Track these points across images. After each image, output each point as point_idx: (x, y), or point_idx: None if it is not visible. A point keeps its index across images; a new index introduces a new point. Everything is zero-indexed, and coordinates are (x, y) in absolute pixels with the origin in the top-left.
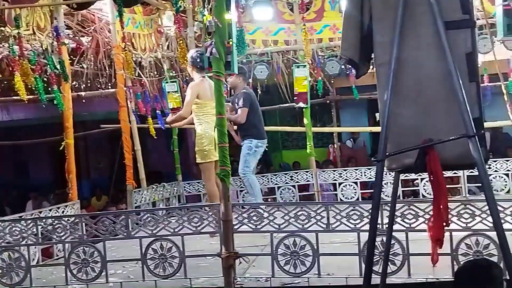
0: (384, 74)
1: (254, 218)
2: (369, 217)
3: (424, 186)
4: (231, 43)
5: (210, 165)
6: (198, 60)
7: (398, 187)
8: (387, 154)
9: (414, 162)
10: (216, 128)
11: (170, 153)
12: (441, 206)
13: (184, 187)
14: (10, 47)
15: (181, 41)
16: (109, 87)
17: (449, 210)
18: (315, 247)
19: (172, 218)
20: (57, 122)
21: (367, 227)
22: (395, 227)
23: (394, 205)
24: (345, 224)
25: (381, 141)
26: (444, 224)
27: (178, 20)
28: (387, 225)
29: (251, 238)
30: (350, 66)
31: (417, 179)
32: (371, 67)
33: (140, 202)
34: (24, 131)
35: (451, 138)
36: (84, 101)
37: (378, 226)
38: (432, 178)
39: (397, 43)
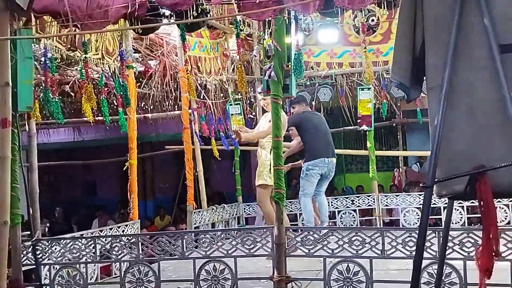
0: (435, 98)
1: (307, 242)
2: (426, 244)
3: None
4: (289, 66)
5: (269, 188)
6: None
7: (452, 214)
8: (436, 180)
9: (464, 189)
10: (272, 151)
11: (233, 175)
12: (491, 235)
13: (244, 208)
14: (80, 71)
15: (239, 66)
16: (175, 109)
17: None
18: (369, 273)
19: (226, 240)
20: (125, 143)
21: (424, 255)
22: (454, 255)
23: (447, 232)
24: (401, 251)
25: (430, 166)
26: (494, 254)
27: (238, 45)
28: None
29: (305, 263)
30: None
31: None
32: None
33: (200, 222)
34: (94, 151)
35: (504, 164)
36: (151, 122)
37: (435, 253)
38: (482, 206)
39: (450, 65)
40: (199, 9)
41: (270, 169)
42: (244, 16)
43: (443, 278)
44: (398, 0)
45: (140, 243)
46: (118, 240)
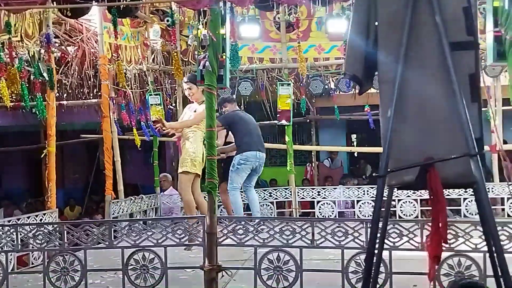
0: (387, 92)
1: (239, 231)
2: (354, 234)
3: (466, 206)
4: (224, 57)
5: (191, 176)
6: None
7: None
8: (389, 170)
9: (414, 179)
10: (205, 141)
11: (146, 166)
12: (440, 224)
13: (162, 200)
14: None
15: (175, 54)
16: (91, 97)
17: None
18: (299, 262)
19: (155, 229)
20: (34, 131)
21: (351, 244)
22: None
23: (386, 222)
24: (330, 241)
25: (383, 157)
26: (443, 241)
27: (174, 33)
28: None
29: (231, 252)
30: (333, 88)
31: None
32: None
33: (118, 213)
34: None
35: (453, 156)
36: (63, 110)
37: (362, 243)
38: (432, 196)
39: (402, 62)
40: None
41: (194, 158)
42: (179, 4)
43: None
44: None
45: (65, 232)
46: (41, 229)
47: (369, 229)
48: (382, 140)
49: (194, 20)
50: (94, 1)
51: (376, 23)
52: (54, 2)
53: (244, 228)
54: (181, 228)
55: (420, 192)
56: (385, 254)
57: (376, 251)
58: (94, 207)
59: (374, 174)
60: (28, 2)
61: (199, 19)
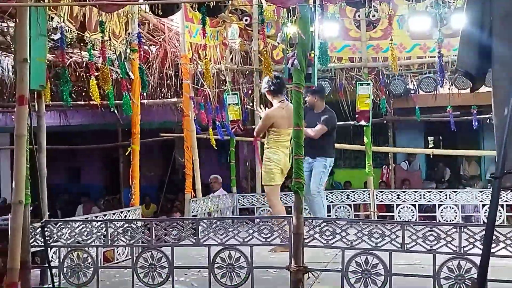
0: (502, 89)
1: (327, 233)
2: (447, 238)
3: None
4: (312, 55)
5: (275, 187)
6: (271, 84)
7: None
8: (506, 171)
9: None
10: (292, 140)
11: (219, 165)
12: None
13: (238, 199)
14: (88, 52)
15: (265, 53)
16: (169, 96)
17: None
18: (388, 266)
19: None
20: (112, 129)
21: (443, 249)
22: (474, 251)
23: (493, 227)
24: (421, 245)
25: (499, 158)
26: None
27: (263, 31)
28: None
29: (311, 253)
30: (414, 88)
31: None
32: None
33: (197, 211)
34: (79, 137)
35: None
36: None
37: (456, 249)
38: None
39: None
40: None
41: (271, 170)
42: (268, 2)
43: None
44: None
45: (153, 228)
46: (130, 225)
47: (462, 234)
48: (496, 140)
49: (281, 18)
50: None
51: (491, 18)
52: (145, 0)
53: (332, 229)
54: (267, 227)
55: (506, 197)
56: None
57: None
58: (169, 205)
59: (491, 175)
60: (121, 0)
61: (288, 17)
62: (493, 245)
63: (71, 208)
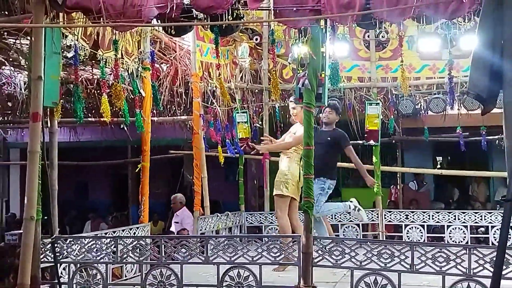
0: None
1: (335, 252)
2: (456, 260)
3: None
4: (323, 75)
5: (286, 199)
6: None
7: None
8: None
9: None
10: (302, 159)
11: (228, 183)
12: None
13: (246, 217)
14: (101, 70)
15: (274, 72)
16: (178, 114)
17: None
18: (397, 287)
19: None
20: (121, 146)
21: (452, 270)
22: (484, 273)
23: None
24: (430, 266)
25: (510, 180)
26: None
27: (273, 52)
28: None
29: (319, 273)
30: (423, 108)
31: None
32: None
33: (205, 229)
34: (88, 153)
35: None
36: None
37: (465, 270)
38: None
39: None
40: (234, 14)
41: (286, 180)
42: (280, 23)
43: None
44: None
45: (163, 245)
46: (139, 242)
47: (472, 256)
48: (507, 163)
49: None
50: (196, 20)
51: (502, 41)
52: (159, 21)
53: (341, 249)
54: (276, 246)
55: None
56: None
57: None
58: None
59: (502, 198)
60: (135, 21)
61: (299, 38)
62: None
63: (79, 224)
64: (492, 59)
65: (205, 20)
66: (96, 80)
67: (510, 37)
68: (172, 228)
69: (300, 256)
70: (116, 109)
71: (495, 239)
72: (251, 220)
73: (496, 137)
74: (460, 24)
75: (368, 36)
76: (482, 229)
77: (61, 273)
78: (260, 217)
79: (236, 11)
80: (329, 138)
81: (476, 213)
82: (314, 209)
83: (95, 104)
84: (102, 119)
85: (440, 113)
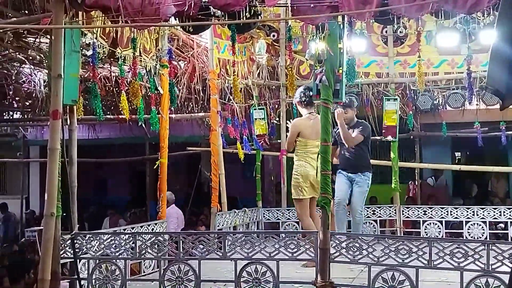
0: None
1: (353, 248)
2: (474, 256)
3: None
4: (340, 71)
5: (304, 201)
6: (302, 95)
7: None
8: None
9: None
10: (320, 155)
11: (244, 179)
12: None
13: (263, 213)
14: (120, 67)
15: (290, 69)
16: (196, 111)
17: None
18: (414, 283)
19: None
20: (139, 143)
21: (471, 266)
22: (503, 268)
23: None
24: (448, 262)
25: None
26: None
27: (290, 48)
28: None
29: (336, 269)
30: (442, 103)
31: None
32: None
33: (222, 225)
34: (106, 150)
35: None
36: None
37: (484, 266)
38: None
39: None
40: (252, 11)
41: (298, 183)
42: (297, 19)
43: None
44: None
45: (181, 241)
46: (158, 238)
47: (491, 251)
48: None
49: (312, 34)
50: (214, 19)
51: None
52: (177, 19)
53: (358, 245)
54: (293, 242)
55: None
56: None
57: None
58: (194, 218)
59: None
60: (153, 19)
61: (317, 34)
62: None
63: (98, 220)
64: (511, 54)
65: (223, 17)
66: (114, 77)
67: None
68: None
69: (317, 252)
70: (134, 106)
71: (469, 234)
72: (268, 216)
73: None
74: (479, 19)
75: (386, 32)
76: (502, 225)
77: (81, 268)
78: (277, 213)
79: (253, 8)
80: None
81: (495, 208)
82: (360, 206)
83: (114, 101)
84: (120, 116)
85: (458, 108)
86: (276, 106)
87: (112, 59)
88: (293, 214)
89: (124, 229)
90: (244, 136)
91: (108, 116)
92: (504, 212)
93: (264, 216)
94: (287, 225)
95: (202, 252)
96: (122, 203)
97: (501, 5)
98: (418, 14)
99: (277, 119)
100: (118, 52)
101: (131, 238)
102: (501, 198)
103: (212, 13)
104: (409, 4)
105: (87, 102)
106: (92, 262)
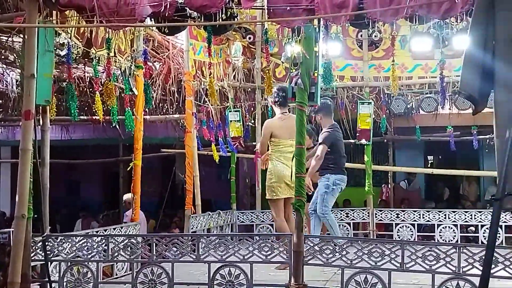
0: (504, 112)
1: (326, 251)
2: (446, 259)
3: None
4: (316, 75)
5: (278, 202)
6: (276, 95)
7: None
8: (506, 193)
9: None
10: (294, 158)
11: (218, 182)
12: None
13: (238, 216)
14: (94, 68)
15: (268, 72)
16: (171, 113)
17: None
18: (387, 285)
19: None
20: (113, 144)
21: (442, 269)
22: (474, 271)
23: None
24: (420, 265)
25: (500, 180)
26: None
27: (267, 51)
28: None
29: (309, 271)
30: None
31: None
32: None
33: (196, 227)
34: (79, 151)
35: None
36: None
37: (455, 269)
38: None
39: None
40: (228, 13)
41: (271, 184)
42: (274, 22)
43: None
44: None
45: (154, 244)
46: (131, 240)
47: (462, 254)
48: (497, 162)
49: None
50: (190, 20)
51: (494, 42)
52: (152, 20)
53: (332, 248)
54: (267, 245)
55: (505, 218)
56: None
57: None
58: (168, 221)
59: (491, 197)
60: (128, 20)
61: (293, 37)
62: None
63: (70, 222)
64: (483, 59)
65: (199, 19)
66: (88, 78)
67: (501, 37)
68: None
69: (291, 254)
70: (109, 107)
71: (485, 238)
72: (243, 218)
73: (487, 136)
74: (452, 24)
75: (361, 36)
76: (472, 228)
77: (52, 271)
78: (251, 215)
79: (229, 10)
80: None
81: (466, 212)
82: (320, 208)
83: (86, 102)
84: (94, 117)
85: (431, 112)
86: (252, 108)
87: (86, 60)
88: (267, 217)
89: (97, 231)
90: (219, 138)
91: (82, 117)
92: (475, 215)
93: (238, 219)
94: (261, 228)
95: (175, 254)
96: (95, 205)
97: (474, 11)
98: (393, 19)
99: (252, 121)
100: (93, 53)
101: (103, 241)
102: (472, 202)
103: (188, 15)
104: (384, 8)
105: (59, 102)
106: (64, 265)
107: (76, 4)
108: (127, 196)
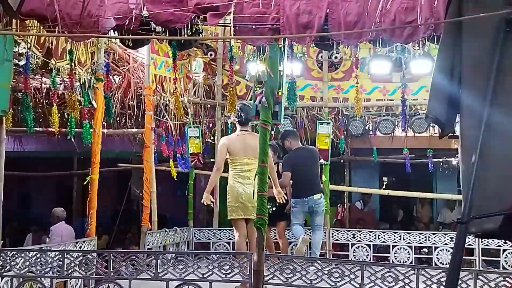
0: (470, 137)
1: (287, 271)
2: (405, 280)
3: (505, 257)
4: (280, 93)
5: (237, 221)
6: (237, 114)
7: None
8: (472, 217)
9: (498, 228)
10: (257, 176)
11: (176, 198)
12: None
13: (194, 233)
14: (52, 79)
15: (232, 89)
16: (129, 127)
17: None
18: None
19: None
20: (67, 157)
21: None
22: None
23: (459, 271)
24: (379, 286)
25: (465, 203)
26: None
27: (231, 68)
28: None
29: None
30: (372, 129)
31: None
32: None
33: (152, 244)
34: (32, 163)
35: None
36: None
37: None
38: None
39: (488, 107)
40: (193, 28)
41: (229, 204)
42: (238, 40)
43: None
44: (383, 39)
45: (111, 260)
46: (86, 256)
47: (420, 276)
48: (463, 186)
49: (252, 55)
50: (154, 35)
51: (460, 67)
52: (116, 33)
53: (292, 267)
54: (227, 263)
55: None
56: None
57: None
58: (121, 236)
59: (455, 220)
60: (91, 31)
61: (257, 55)
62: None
63: (21, 235)
64: (450, 84)
65: (163, 34)
66: (45, 89)
67: (468, 62)
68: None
69: (251, 273)
70: (64, 119)
71: (438, 260)
72: (199, 236)
73: (441, 159)
74: (414, 49)
75: (321, 57)
76: (425, 249)
77: (3, 287)
78: (208, 233)
79: (195, 26)
80: None
81: (420, 234)
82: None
83: (42, 113)
84: (49, 129)
85: (388, 134)
86: (211, 125)
87: (44, 70)
88: (224, 235)
89: (51, 247)
90: (178, 154)
91: (37, 129)
92: (429, 237)
93: (195, 236)
94: (217, 246)
95: (132, 272)
96: (46, 218)
97: (442, 36)
98: (357, 41)
99: (212, 138)
100: (52, 64)
101: (59, 256)
102: (425, 223)
103: (152, 29)
104: (350, 31)
105: (14, 112)
106: (16, 281)
107: (38, 13)
108: (56, 210)
